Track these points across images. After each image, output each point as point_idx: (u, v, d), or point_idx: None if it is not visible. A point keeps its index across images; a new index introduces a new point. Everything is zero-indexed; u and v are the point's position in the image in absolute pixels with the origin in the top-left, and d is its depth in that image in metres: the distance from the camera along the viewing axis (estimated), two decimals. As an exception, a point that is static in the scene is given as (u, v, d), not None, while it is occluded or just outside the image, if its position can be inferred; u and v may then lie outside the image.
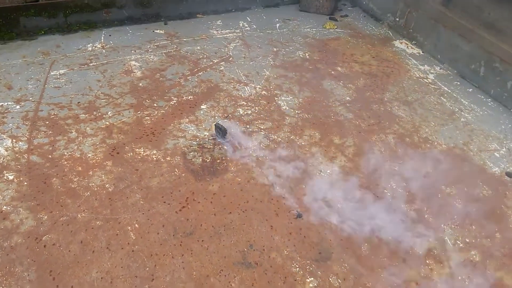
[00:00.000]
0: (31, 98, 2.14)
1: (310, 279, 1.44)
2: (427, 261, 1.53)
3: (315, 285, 1.42)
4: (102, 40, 2.72)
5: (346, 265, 1.49)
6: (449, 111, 2.31)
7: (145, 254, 1.47)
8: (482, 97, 2.47)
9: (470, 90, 2.53)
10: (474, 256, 1.56)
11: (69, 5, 2.76)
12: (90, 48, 2.62)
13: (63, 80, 2.30)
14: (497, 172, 1.94)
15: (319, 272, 1.46)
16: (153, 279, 1.40)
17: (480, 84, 2.54)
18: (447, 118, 2.26)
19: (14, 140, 1.89)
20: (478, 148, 2.07)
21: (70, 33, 2.79)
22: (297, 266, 1.48)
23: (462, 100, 2.42)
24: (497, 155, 2.04)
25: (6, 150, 1.84)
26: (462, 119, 2.26)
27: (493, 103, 2.42)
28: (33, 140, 1.90)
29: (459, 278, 1.48)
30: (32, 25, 2.73)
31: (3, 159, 1.79)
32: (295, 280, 1.43)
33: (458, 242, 1.61)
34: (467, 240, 1.62)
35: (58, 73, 2.36)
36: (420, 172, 1.89)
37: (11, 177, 1.72)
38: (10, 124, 1.97)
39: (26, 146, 1.86)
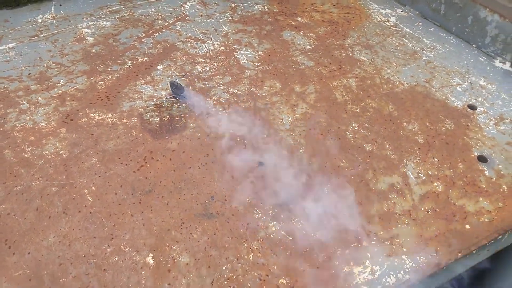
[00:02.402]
0: (-21, 74, 2.05)
1: (272, 223, 1.43)
2: (390, 196, 1.53)
3: (278, 229, 1.41)
4: (52, 11, 2.61)
5: (308, 206, 1.48)
6: (411, 51, 2.28)
7: (103, 215, 1.44)
8: (444, 35, 2.44)
9: (432, 29, 2.50)
10: (437, 187, 1.56)
11: (14, -23, 2.63)
12: (40, 20, 2.51)
13: (13, 53, 2.21)
14: (459, 105, 1.93)
15: (282, 216, 1.45)
16: (112, 238, 1.37)
17: (442, 23, 2.51)
18: (409, 58, 2.23)
19: (-38, 117, 1.81)
20: (441, 84, 2.05)
21: (18, 6, 2.66)
22: (259, 212, 1.46)
23: (424, 39, 2.39)
24: (459, 89, 2.03)
25: (-45, 127, 1.76)
26: (424, 58, 2.23)
27: (455, 40, 2.40)
28: (-18, 115, 1.82)
29: (422, 209, 1.48)
30: (-23, 1, 2.60)
31: (-48, 136, 1.73)
32: (258, 226, 1.42)
33: (421, 175, 1.60)
34: (430, 173, 1.62)
35: (7, 47, 2.26)
36: (382, 112, 1.88)
37: (-40, 153, 1.65)
38: (-42, 101, 1.89)
39: (-24, 121, 1.79)
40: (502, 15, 2.17)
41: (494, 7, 2.22)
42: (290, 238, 1.38)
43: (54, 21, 2.50)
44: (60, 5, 2.66)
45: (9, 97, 1.92)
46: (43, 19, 2.53)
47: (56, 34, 2.36)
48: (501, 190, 1.55)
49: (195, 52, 2.23)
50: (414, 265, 1.32)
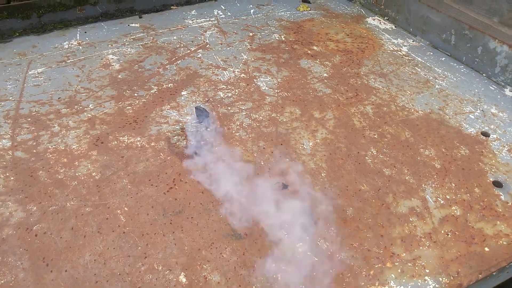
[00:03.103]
0: (11, 98, 2.14)
1: (298, 244, 1.48)
2: (411, 219, 1.59)
3: (305, 250, 1.46)
4: (78, 37, 2.72)
5: (332, 228, 1.54)
6: (423, 80, 2.38)
7: (136, 234, 1.50)
8: (455, 64, 2.54)
9: (443, 59, 2.60)
10: (456, 211, 1.62)
11: (42, 5, 2.76)
12: (66, 46, 2.62)
13: (42, 78, 2.31)
14: (473, 132, 2.01)
15: (307, 237, 1.51)
16: (146, 257, 1.43)
17: (452, 53, 2.61)
18: (422, 86, 2.32)
19: (-3, 139, 1.89)
20: (454, 111, 2.13)
21: (45, 33, 2.78)
22: (285, 233, 1.52)
23: (436, 68, 2.49)
24: (472, 117, 2.10)
25: (-10, 149, 1.84)
26: (436, 86, 2.32)
27: (466, 69, 2.49)
28: (16, 137, 1.90)
29: (442, 232, 1.54)
30: (6, 27, 2.72)
31: (-12, 157, 1.80)
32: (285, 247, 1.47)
33: (440, 200, 1.67)
34: (448, 197, 1.68)
35: (36, 72, 2.36)
36: (399, 138, 1.95)
37: (-3, 174, 1.73)
38: (-8, 124, 1.98)
39: (10, 143, 1.87)
40: (511, 46, 2.27)
41: (503, 38, 2.32)
42: (316, 259, 1.44)
43: (80, 47, 2.61)
44: (85, 32, 2.78)
45: (40, 120, 2.00)
46: (70, 45, 2.64)
47: (83, 60, 2.47)
48: (518, 214, 1.61)
49: (217, 78, 2.33)
50: (437, 285, 1.37)
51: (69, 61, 2.46)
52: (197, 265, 1.41)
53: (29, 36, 2.74)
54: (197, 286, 1.35)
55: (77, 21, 2.90)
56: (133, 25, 2.89)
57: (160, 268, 1.40)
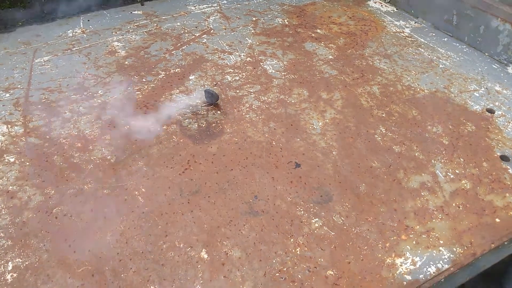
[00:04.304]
0: (19, 86, 2.15)
1: (315, 219, 1.52)
2: (422, 193, 1.62)
3: (320, 225, 1.50)
4: (82, 26, 2.72)
5: (347, 204, 1.57)
6: (427, 60, 2.41)
7: (155, 214, 1.53)
8: (457, 44, 2.57)
9: (445, 39, 2.62)
10: (465, 185, 1.66)
11: (44, -6, 2.75)
12: (70, 34, 2.62)
13: (49, 66, 2.31)
14: (478, 109, 2.04)
15: (323, 213, 1.54)
16: (166, 235, 1.46)
17: (454, 33, 2.64)
18: (426, 66, 2.35)
19: (9, 126, 1.90)
20: (459, 90, 2.17)
21: (47, 22, 2.78)
22: (301, 209, 1.55)
23: (439, 49, 2.52)
24: (477, 94, 2.14)
25: (3, 136, 1.85)
26: (440, 66, 2.35)
27: (468, 48, 2.52)
28: (28, 123, 1.91)
29: (453, 205, 1.58)
30: (9, 17, 2.71)
31: (1, 144, 1.81)
32: (301, 222, 1.51)
33: (449, 174, 1.71)
34: (457, 171, 1.72)
35: (42, 60, 2.36)
36: (406, 116, 1.99)
37: (12, 159, 1.74)
38: (3, 112, 1.98)
39: (22, 129, 1.88)
40: (513, 25, 2.31)
41: (505, 16, 2.35)
42: (333, 233, 1.48)
43: (85, 35, 2.61)
44: (88, 20, 2.78)
45: (51, 107, 2.01)
46: (74, 33, 2.64)
47: (88, 48, 2.47)
48: (526, 186, 1.66)
49: (224, 63, 2.34)
50: (451, 255, 1.41)
51: (75, 49, 2.47)
52: (217, 242, 1.44)
53: (32, 25, 2.73)
54: (218, 262, 1.38)
55: (79, 9, 2.88)
56: (136, 12, 2.89)
57: (181, 245, 1.43)
